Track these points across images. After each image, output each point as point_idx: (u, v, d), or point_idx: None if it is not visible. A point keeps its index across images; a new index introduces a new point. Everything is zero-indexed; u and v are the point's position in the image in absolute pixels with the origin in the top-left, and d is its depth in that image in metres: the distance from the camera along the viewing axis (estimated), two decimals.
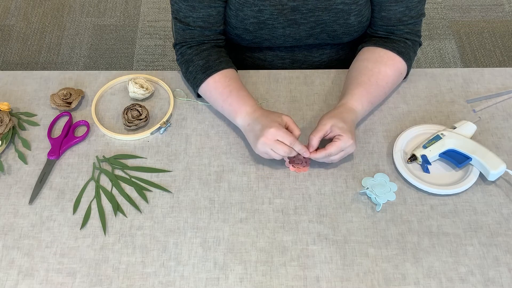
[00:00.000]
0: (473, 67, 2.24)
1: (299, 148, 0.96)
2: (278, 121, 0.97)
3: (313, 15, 1.08)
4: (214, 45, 1.11)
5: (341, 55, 1.24)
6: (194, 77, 1.08)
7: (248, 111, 1.01)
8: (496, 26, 2.39)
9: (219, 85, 1.05)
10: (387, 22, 1.09)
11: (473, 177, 0.98)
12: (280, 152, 0.95)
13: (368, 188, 0.98)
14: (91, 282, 0.89)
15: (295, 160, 1.02)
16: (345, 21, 1.08)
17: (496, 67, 2.23)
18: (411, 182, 0.98)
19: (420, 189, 0.98)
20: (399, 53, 1.07)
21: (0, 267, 0.90)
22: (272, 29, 1.11)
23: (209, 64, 1.07)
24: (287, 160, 1.02)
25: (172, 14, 1.10)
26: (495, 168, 0.96)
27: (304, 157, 1.02)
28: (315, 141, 0.97)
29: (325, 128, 0.97)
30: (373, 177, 1.00)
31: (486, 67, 2.24)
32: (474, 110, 1.10)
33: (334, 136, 0.97)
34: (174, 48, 1.14)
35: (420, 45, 1.13)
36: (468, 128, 1.03)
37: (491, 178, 0.97)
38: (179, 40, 1.11)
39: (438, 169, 1.01)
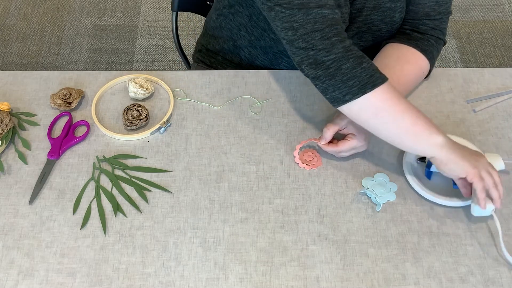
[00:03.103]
0: (473, 67, 2.24)
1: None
2: None
3: (361, 15, 1.06)
4: None
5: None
6: (371, 75, 0.88)
7: (443, 133, 0.90)
8: (496, 26, 2.39)
9: (401, 95, 0.90)
10: (414, 16, 1.08)
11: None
12: (489, 181, 0.88)
13: (368, 188, 0.98)
14: (91, 282, 0.89)
15: (305, 157, 1.03)
16: (391, 19, 1.07)
17: (496, 67, 2.23)
18: (412, 185, 0.98)
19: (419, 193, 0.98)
20: (422, 51, 1.06)
21: (0, 267, 0.90)
22: None
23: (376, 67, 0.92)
24: (297, 156, 1.02)
25: (290, 9, 0.90)
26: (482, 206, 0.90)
27: (312, 153, 1.03)
28: (329, 134, 0.98)
29: (342, 123, 0.98)
30: (373, 177, 1.00)
31: (486, 67, 2.24)
32: (474, 110, 1.10)
33: (348, 134, 0.98)
34: (323, 41, 0.89)
35: (445, 43, 1.11)
36: (496, 162, 0.98)
37: (475, 213, 0.92)
38: (327, 29, 0.90)
39: (441, 177, 0.99)
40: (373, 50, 1.21)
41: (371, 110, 0.89)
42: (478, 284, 0.88)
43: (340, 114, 0.99)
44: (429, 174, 0.99)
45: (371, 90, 0.88)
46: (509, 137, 1.06)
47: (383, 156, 1.03)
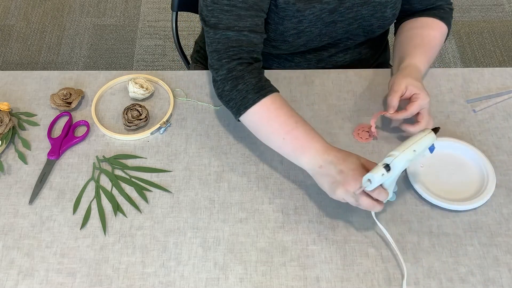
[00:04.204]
0: (473, 67, 2.24)
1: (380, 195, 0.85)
2: (358, 167, 0.86)
3: (351, 11, 1.08)
4: (259, 63, 1.01)
5: (362, 55, 1.24)
6: (244, 97, 0.94)
7: (319, 149, 0.89)
8: (496, 26, 2.39)
9: (281, 113, 0.92)
10: (426, 3, 1.14)
11: (487, 194, 0.95)
12: (364, 205, 0.85)
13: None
14: (91, 282, 0.89)
15: (362, 129, 1.05)
16: (382, 14, 1.09)
17: (496, 67, 2.23)
18: (422, 195, 0.96)
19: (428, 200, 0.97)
20: (441, 18, 1.13)
21: (0, 267, 0.90)
22: (309, 35, 1.10)
23: (262, 83, 0.95)
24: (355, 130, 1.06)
25: (206, 26, 0.98)
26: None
27: (368, 130, 1.05)
28: (395, 101, 0.99)
29: (402, 88, 0.99)
30: None
31: (486, 67, 2.24)
32: (474, 110, 1.10)
33: (411, 95, 0.99)
34: (217, 62, 0.97)
35: (452, 10, 1.18)
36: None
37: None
38: (223, 48, 0.97)
39: (452, 181, 0.99)
40: (366, 48, 1.21)
41: (251, 128, 0.97)
42: (478, 284, 0.88)
43: (396, 81, 1.01)
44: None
45: (244, 112, 0.95)
46: (509, 137, 1.06)
47: (383, 156, 1.03)
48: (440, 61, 2.27)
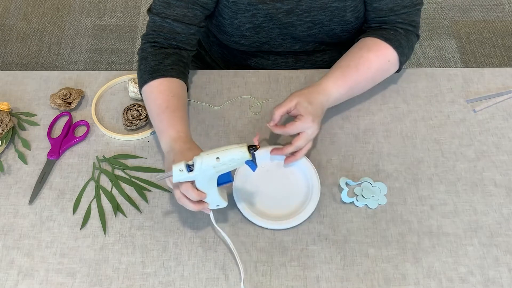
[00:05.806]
0: (473, 67, 2.24)
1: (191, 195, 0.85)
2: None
3: (308, 15, 1.07)
4: (179, 50, 1.05)
5: (342, 55, 1.23)
6: (141, 76, 1.01)
7: (172, 136, 0.92)
8: (496, 26, 2.39)
9: (160, 96, 0.97)
10: (379, 13, 1.07)
11: (310, 209, 0.94)
12: (176, 196, 0.87)
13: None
14: (91, 282, 0.89)
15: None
16: (342, 18, 1.07)
17: (496, 67, 2.23)
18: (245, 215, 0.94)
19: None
20: (386, 39, 1.04)
21: (0, 267, 0.90)
22: (269, 31, 1.10)
23: (160, 67, 1.00)
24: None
25: (147, 11, 1.07)
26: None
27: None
28: (276, 115, 0.96)
29: (290, 105, 0.95)
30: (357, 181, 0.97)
31: (486, 67, 2.24)
32: (474, 110, 1.10)
33: (297, 116, 0.95)
34: (140, 42, 1.07)
35: (417, 36, 1.09)
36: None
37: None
38: (147, 32, 1.05)
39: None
40: (346, 48, 1.20)
41: (145, 102, 1.02)
42: (478, 284, 0.88)
43: (289, 97, 0.97)
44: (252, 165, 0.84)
45: (141, 89, 1.02)
46: (509, 137, 1.06)
47: (383, 156, 1.03)
48: (440, 61, 2.27)
